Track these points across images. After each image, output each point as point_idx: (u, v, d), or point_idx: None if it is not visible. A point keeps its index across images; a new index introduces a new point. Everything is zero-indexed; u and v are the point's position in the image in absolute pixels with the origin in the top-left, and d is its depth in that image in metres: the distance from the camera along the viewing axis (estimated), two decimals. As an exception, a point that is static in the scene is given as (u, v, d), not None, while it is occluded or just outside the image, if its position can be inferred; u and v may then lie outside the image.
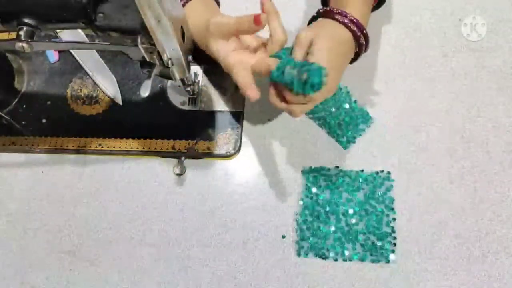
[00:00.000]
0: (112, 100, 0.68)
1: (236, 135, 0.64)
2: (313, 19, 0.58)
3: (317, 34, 0.51)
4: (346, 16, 0.53)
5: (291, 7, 0.70)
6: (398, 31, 0.67)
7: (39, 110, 0.69)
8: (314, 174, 0.61)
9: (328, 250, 0.58)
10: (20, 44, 0.48)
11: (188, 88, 0.62)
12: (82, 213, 0.64)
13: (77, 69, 0.70)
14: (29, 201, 0.66)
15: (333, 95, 0.62)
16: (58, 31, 0.70)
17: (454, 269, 0.56)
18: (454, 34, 0.66)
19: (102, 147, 0.66)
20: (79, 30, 0.70)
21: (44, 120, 0.69)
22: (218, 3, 0.64)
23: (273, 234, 0.60)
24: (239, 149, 0.64)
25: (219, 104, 0.65)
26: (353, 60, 0.58)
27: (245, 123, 0.65)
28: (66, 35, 0.71)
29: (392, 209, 0.59)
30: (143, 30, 0.45)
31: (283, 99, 0.52)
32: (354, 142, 0.62)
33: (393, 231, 0.58)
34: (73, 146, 0.66)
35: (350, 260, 0.57)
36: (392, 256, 0.57)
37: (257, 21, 0.50)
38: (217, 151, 0.63)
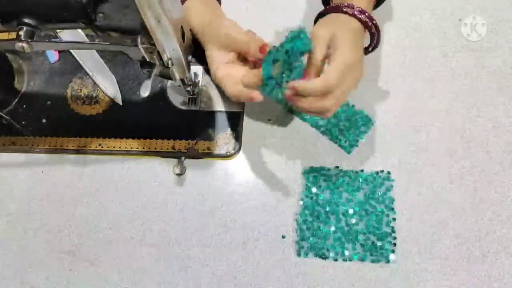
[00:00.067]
0: (112, 100, 0.68)
1: (236, 135, 0.64)
2: (320, 16, 0.58)
3: (335, 29, 0.51)
4: (353, 8, 0.53)
5: (291, 7, 0.70)
6: (398, 31, 0.67)
7: (39, 110, 0.69)
8: (314, 174, 0.61)
9: (328, 250, 0.58)
10: (20, 44, 0.48)
11: (188, 88, 0.62)
12: (82, 213, 0.64)
13: (77, 69, 0.70)
14: (29, 201, 0.66)
15: None
16: (58, 31, 0.70)
17: (454, 269, 0.56)
18: (454, 34, 0.66)
19: (102, 147, 0.66)
20: (79, 30, 0.70)
21: (44, 120, 0.69)
22: (219, 1, 0.64)
23: (273, 234, 0.60)
24: (239, 149, 0.64)
25: (219, 104, 0.65)
26: (366, 52, 0.58)
27: (245, 123, 0.65)
28: (66, 35, 0.70)
29: (392, 209, 0.59)
30: (143, 30, 0.45)
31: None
32: (356, 146, 0.62)
33: (393, 231, 0.58)
34: (73, 146, 0.66)
35: (350, 260, 0.57)
36: (392, 256, 0.57)
37: (262, 51, 0.52)
38: (217, 151, 0.63)
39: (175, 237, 0.61)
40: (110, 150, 0.65)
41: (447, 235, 0.58)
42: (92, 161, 0.66)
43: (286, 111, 0.64)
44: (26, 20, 0.48)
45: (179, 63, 0.51)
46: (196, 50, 0.61)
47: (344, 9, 0.53)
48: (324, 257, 0.58)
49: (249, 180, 0.63)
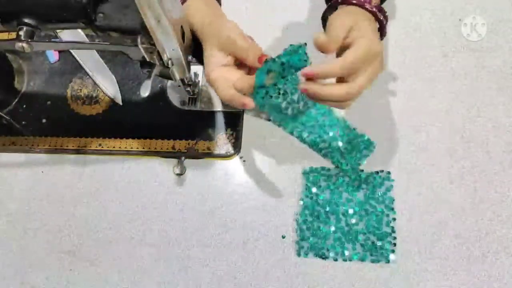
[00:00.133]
0: (112, 100, 0.68)
1: (236, 135, 0.64)
2: (328, 10, 0.57)
3: (356, 18, 0.50)
4: (370, 3, 0.53)
5: (291, 7, 0.70)
6: (398, 31, 0.67)
7: (39, 110, 0.69)
8: (314, 174, 0.61)
9: (328, 250, 0.58)
10: (20, 44, 0.48)
11: (188, 88, 0.62)
12: (82, 213, 0.64)
13: (77, 69, 0.70)
14: (29, 201, 0.66)
15: (329, 127, 0.62)
16: (58, 31, 0.70)
17: (454, 269, 0.56)
18: (454, 34, 0.66)
19: (102, 147, 0.66)
20: (79, 30, 0.70)
21: (44, 120, 0.69)
22: (219, 2, 0.64)
23: (273, 234, 0.60)
24: (239, 149, 0.64)
25: (219, 104, 0.65)
26: None
27: (245, 123, 0.65)
28: (66, 35, 0.71)
29: (392, 209, 0.59)
30: (143, 30, 0.45)
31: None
32: (358, 169, 0.61)
33: (393, 231, 0.58)
34: (73, 146, 0.66)
35: (350, 260, 0.57)
36: (392, 256, 0.57)
37: (260, 61, 0.51)
38: (217, 151, 0.63)
39: (175, 237, 0.61)
40: (110, 150, 0.65)
41: (447, 235, 0.58)
42: (92, 161, 0.66)
43: (276, 122, 0.63)
44: (26, 20, 0.47)
45: (179, 63, 0.51)
46: (196, 50, 0.61)
47: (354, 1, 0.53)
48: (324, 257, 0.58)
49: (249, 180, 0.63)
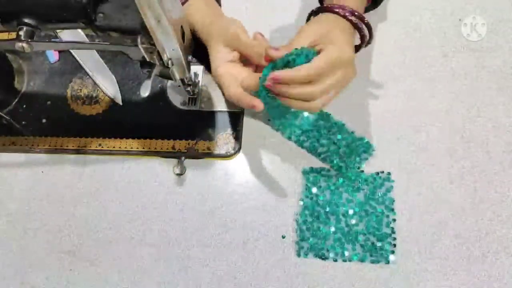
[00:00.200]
0: (112, 100, 0.68)
1: (236, 135, 0.64)
2: (311, 14, 0.58)
3: (328, 27, 0.51)
4: (345, 9, 0.54)
5: (291, 7, 0.70)
6: (398, 31, 0.67)
7: (39, 110, 0.69)
8: (314, 174, 0.61)
9: (328, 250, 0.58)
10: (20, 44, 0.48)
11: (188, 88, 0.62)
12: (82, 213, 0.64)
13: (77, 69, 0.70)
14: (29, 201, 0.66)
15: (328, 131, 0.62)
16: (58, 31, 0.70)
17: (454, 269, 0.56)
18: (454, 34, 0.66)
19: (102, 147, 0.66)
20: (79, 30, 0.70)
21: (44, 120, 0.69)
22: (219, 3, 0.64)
23: (273, 234, 0.60)
24: (239, 149, 0.64)
25: (219, 104, 0.65)
26: (357, 50, 0.58)
27: (245, 123, 0.65)
28: (66, 35, 0.71)
29: (392, 210, 0.59)
30: (143, 30, 0.45)
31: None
32: (357, 172, 0.61)
33: (393, 232, 0.58)
34: (73, 146, 0.66)
35: (350, 260, 0.57)
36: (392, 257, 0.57)
37: (267, 60, 0.52)
38: (217, 151, 0.63)
39: (175, 237, 0.61)
40: (110, 150, 0.65)
41: (447, 235, 0.58)
42: (92, 161, 0.66)
43: (274, 126, 0.63)
44: (26, 20, 0.48)
45: (179, 63, 0.51)
46: (196, 50, 0.61)
47: (336, 10, 0.54)
48: (324, 257, 0.58)
49: (249, 180, 0.63)
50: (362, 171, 0.61)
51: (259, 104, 0.51)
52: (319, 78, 0.49)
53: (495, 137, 0.61)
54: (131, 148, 0.65)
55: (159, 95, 0.67)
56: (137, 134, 0.65)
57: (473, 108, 0.62)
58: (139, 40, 0.47)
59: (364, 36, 0.56)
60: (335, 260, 0.58)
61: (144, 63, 0.52)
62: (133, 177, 0.65)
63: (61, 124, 0.68)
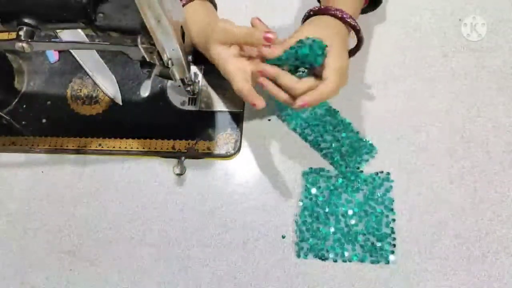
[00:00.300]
0: (112, 100, 0.68)
1: (236, 135, 0.64)
2: (308, 15, 0.58)
3: (326, 33, 0.52)
4: (343, 12, 0.54)
5: (291, 7, 0.70)
6: (398, 31, 0.67)
7: (39, 110, 0.69)
8: (314, 175, 0.61)
9: (327, 251, 0.58)
10: (20, 44, 0.48)
11: (188, 88, 0.62)
12: (82, 213, 0.64)
13: (77, 69, 0.70)
14: (29, 201, 0.66)
15: (333, 128, 0.62)
16: (58, 31, 0.70)
17: (454, 269, 0.56)
18: (454, 34, 0.66)
19: (102, 147, 0.66)
20: (79, 30, 0.70)
21: (44, 120, 0.69)
22: (215, 6, 0.64)
23: (273, 234, 0.60)
24: (239, 149, 0.64)
25: (219, 104, 0.65)
26: (351, 54, 0.59)
27: (245, 123, 0.65)
28: (66, 35, 0.71)
29: (392, 210, 0.59)
30: (143, 30, 0.45)
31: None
32: (356, 173, 0.61)
33: (393, 232, 0.58)
34: (73, 146, 0.66)
35: (350, 261, 0.57)
36: (391, 257, 0.57)
37: (267, 40, 0.51)
38: (217, 151, 0.63)
39: (175, 237, 0.61)
40: (110, 150, 0.65)
41: (447, 235, 0.58)
42: (92, 161, 0.66)
43: (281, 117, 0.64)
44: (26, 20, 0.48)
45: (179, 63, 0.51)
46: (196, 50, 0.61)
47: (333, 12, 0.54)
48: (323, 258, 0.58)
49: (249, 180, 0.63)
50: (362, 171, 0.61)
51: (259, 104, 0.52)
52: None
53: (495, 137, 0.61)
54: (131, 148, 0.65)
55: (159, 95, 0.67)
56: (137, 134, 0.65)
57: (473, 108, 0.62)
58: (139, 40, 0.47)
59: (361, 38, 0.56)
60: (335, 261, 0.58)
61: (144, 63, 0.52)
62: (133, 177, 0.65)
63: (61, 124, 0.68)
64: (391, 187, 0.60)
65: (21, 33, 0.48)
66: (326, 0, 0.57)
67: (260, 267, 0.59)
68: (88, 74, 0.70)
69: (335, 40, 0.52)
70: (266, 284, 0.58)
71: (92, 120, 0.68)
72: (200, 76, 0.67)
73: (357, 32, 0.56)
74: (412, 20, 0.67)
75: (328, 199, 0.60)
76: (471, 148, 0.61)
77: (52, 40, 0.71)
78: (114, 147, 0.65)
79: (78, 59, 0.70)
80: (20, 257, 0.63)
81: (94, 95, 0.69)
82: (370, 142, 0.62)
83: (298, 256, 0.58)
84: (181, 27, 0.50)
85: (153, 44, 0.47)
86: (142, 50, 0.48)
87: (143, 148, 0.65)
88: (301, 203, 0.60)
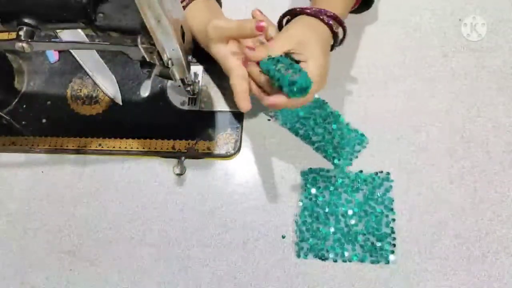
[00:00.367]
0: (112, 100, 0.68)
1: (236, 135, 0.64)
2: (291, 14, 0.58)
3: (307, 36, 0.52)
4: (325, 14, 0.54)
5: (290, 7, 0.70)
6: (398, 31, 0.67)
7: (39, 110, 0.69)
8: (313, 175, 0.61)
9: (327, 251, 0.58)
10: (20, 44, 0.48)
11: (188, 88, 0.62)
12: (82, 213, 0.64)
13: (77, 69, 0.70)
14: (29, 201, 0.66)
15: (323, 120, 0.62)
16: (58, 31, 0.70)
17: (454, 269, 0.56)
18: (454, 34, 0.66)
19: (102, 147, 0.66)
20: (79, 30, 0.70)
21: (44, 120, 0.69)
22: (220, 3, 0.64)
23: (273, 234, 0.60)
24: (239, 149, 0.64)
25: (219, 104, 0.65)
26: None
27: (245, 123, 0.65)
28: (66, 35, 0.71)
29: (392, 209, 0.59)
30: (143, 30, 0.45)
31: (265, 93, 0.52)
32: (350, 164, 0.61)
33: (393, 232, 0.58)
34: (73, 146, 0.66)
35: (350, 261, 0.57)
36: (391, 257, 0.57)
37: (259, 29, 0.51)
38: (217, 151, 0.63)
39: (175, 237, 0.61)
40: (110, 150, 0.65)
41: (447, 235, 0.58)
42: (92, 161, 0.66)
43: (270, 112, 0.64)
44: (26, 20, 0.48)
45: (179, 63, 0.51)
46: (196, 50, 0.61)
47: (308, 11, 0.54)
48: (323, 258, 0.58)
49: (249, 180, 0.63)
50: (361, 171, 0.61)
51: (244, 106, 0.52)
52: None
53: (495, 137, 0.61)
54: (131, 148, 0.65)
55: (159, 95, 0.67)
56: (137, 134, 0.65)
57: (473, 108, 0.62)
58: (139, 40, 0.47)
59: (337, 36, 0.56)
60: (335, 261, 0.58)
61: (144, 63, 0.52)
62: (133, 177, 0.65)
63: (61, 124, 0.68)
64: (391, 187, 0.60)
65: (21, 33, 0.48)
66: (314, 0, 0.58)
67: (260, 267, 0.59)
68: (88, 74, 0.70)
69: (318, 43, 0.51)
70: (266, 284, 0.58)
71: (92, 120, 0.68)
72: (200, 76, 0.67)
73: (334, 34, 0.55)
74: (412, 20, 0.67)
75: (328, 199, 0.60)
76: (471, 148, 0.61)
77: (52, 40, 0.71)
78: (114, 147, 0.65)
79: (78, 59, 0.70)
80: (20, 257, 0.63)
81: (94, 95, 0.69)
82: (361, 132, 0.62)
83: (298, 256, 0.58)
84: (181, 27, 0.50)
85: (153, 44, 0.47)
86: (142, 50, 0.48)
87: (143, 148, 0.65)
88: (301, 203, 0.60)
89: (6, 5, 0.47)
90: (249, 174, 0.63)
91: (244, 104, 0.52)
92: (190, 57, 0.55)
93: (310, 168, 0.62)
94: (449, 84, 0.64)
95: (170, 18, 0.44)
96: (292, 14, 0.57)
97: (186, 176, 0.64)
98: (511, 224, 0.57)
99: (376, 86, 0.65)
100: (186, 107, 0.66)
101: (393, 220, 0.58)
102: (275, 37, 0.53)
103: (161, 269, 0.60)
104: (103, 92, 0.69)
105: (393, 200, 0.59)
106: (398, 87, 0.64)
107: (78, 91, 0.69)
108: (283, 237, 0.59)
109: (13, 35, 0.51)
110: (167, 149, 0.64)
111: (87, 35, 0.70)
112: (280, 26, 0.59)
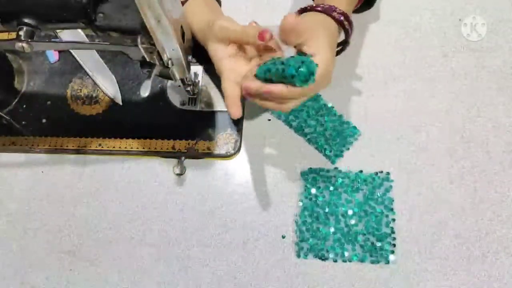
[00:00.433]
0: (112, 100, 0.68)
1: (236, 135, 0.64)
2: (300, 12, 0.58)
3: (315, 31, 0.51)
4: (335, 11, 0.54)
5: (291, 7, 0.70)
6: (398, 31, 0.67)
7: (39, 110, 0.69)
8: (313, 175, 0.61)
9: (327, 251, 0.58)
10: (20, 44, 0.48)
11: (188, 88, 0.62)
12: (82, 213, 0.64)
13: (77, 69, 0.70)
14: (29, 201, 0.66)
15: (316, 112, 0.63)
16: (58, 31, 0.70)
17: (454, 269, 0.56)
18: (454, 34, 0.66)
19: (102, 147, 0.66)
20: (79, 30, 0.70)
21: (44, 120, 0.69)
22: (219, 2, 0.64)
23: (273, 234, 0.60)
24: (239, 149, 0.64)
25: (219, 104, 0.65)
26: (338, 53, 0.58)
27: (245, 123, 0.65)
28: (66, 35, 0.71)
29: (392, 209, 0.59)
30: (143, 30, 0.45)
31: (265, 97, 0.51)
32: (341, 156, 0.61)
33: (393, 232, 0.58)
34: (73, 146, 0.66)
35: (350, 261, 0.57)
36: (391, 257, 0.57)
37: (261, 38, 0.50)
38: (217, 151, 0.63)
39: (175, 237, 0.61)
40: (110, 150, 0.65)
41: (447, 235, 0.58)
42: (92, 161, 0.66)
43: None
44: (26, 20, 0.48)
45: (179, 63, 0.51)
46: (196, 50, 0.61)
47: (323, 10, 0.54)
48: (323, 258, 0.58)
49: (249, 180, 0.63)
50: (361, 171, 0.61)
51: (234, 113, 0.51)
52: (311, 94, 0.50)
53: (495, 137, 0.61)
54: (131, 148, 0.65)
55: (159, 95, 0.67)
56: (137, 134, 0.65)
57: (473, 108, 0.62)
58: (139, 40, 0.47)
59: (348, 32, 0.56)
60: (335, 261, 0.58)
61: (144, 63, 0.52)
62: (133, 177, 0.65)
63: (61, 124, 0.68)
64: (391, 187, 0.60)
65: (21, 33, 0.48)
66: None
67: (260, 267, 0.59)
68: (88, 74, 0.70)
69: (326, 38, 0.51)
70: (266, 284, 0.58)
71: (92, 120, 0.68)
72: (200, 76, 0.67)
73: (345, 30, 0.55)
74: (412, 20, 0.67)
75: (328, 199, 0.60)
76: (471, 148, 0.61)
77: (52, 40, 0.71)
78: (114, 147, 0.65)
79: (78, 59, 0.70)
80: (20, 257, 0.63)
81: (94, 95, 0.69)
82: (353, 125, 0.62)
83: (298, 256, 0.58)
84: (181, 27, 0.50)
85: (153, 44, 0.47)
86: (142, 50, 0.48)
87: (143, 148, 0.65)
88: (301, 203, 0.60)
89: (6, 5, 0.47)
90: (249, 174, 0.63)
91: (234, 110, 0.51)
92: (190, 57, 0.55)
93: (310, 168, 0.62)
94: (449, 84, 0.64)
95: (170, 18, 0.44)
96: (301, 12, 0.57)
97: (186, 176, 0.64)
98: (511, 224, 0.57)
99: (376, 86, 0.65)
100: (186, 107, 0.66)
101: (393, 220, 0.58)
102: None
103: (161, 269, 0.60)
104: (103, 92, 0.69)
105: (393, 200, 0.59)
106: (398, 87, 0.64)
107: (78, 91, 0.69)
108: (283, 237, 0.59)
109: (13, 35, 0.51)
110: (167, 149, 0.64)
111: (87, 35, 0.70)
112: None
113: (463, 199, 0.59)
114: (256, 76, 0.51)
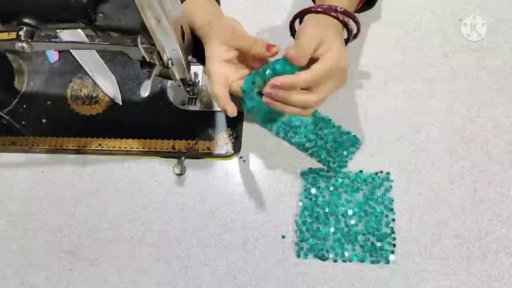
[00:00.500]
0: (112, 100, 0.68)
1: (236, 135, 0.64)
2: (303, 13, 0.58)
3: (327, 31, 0.51)
4: (338, 12, 0.54)
5: (291, 7, 0.70)
6: (398, 31, 0.67)
7: (39, 110, 0.69)
8: (313, 175, 0.61)
9: (327, 251, 0.58)
10: (20, 44, 0.48)
11: (188, 88, 0.62)
12: (82, 213, 0.64)
13: (77, 69, 0.70)
14: (29, 201, 0.66)
15: (314, 126, 0.63)
16: (58, 31, 0.70)
17: (454, 269, 0.56)
18: (454, 34, 0.66)
19: (102, 147, 0.66)
20: (79, 30, 0.70)
21: (44, 120, 0.69)
22: (218, 2, 0.64)
23: (273, 234, 0.60)
24: (239, 149, 0.64)
25: (219, 104, 0.65)
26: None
27: (245, 123, 0.65)
28: (66, 35, 0.71)
29: (392, 209, 0.59)
30: (143, 30, 0.46)
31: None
32: (345, 166, 0.61)
33: (393, 232, 0.58)
34: (73, 146, 0.66)
35: (350, 261, 0.57)
36: (391, 257, 0.57)
37: (268, 49, 0.52)
38: (217, 151, 0.63)
39: (175, 237, 0.61)
40: (110, 150, 0.65)
41: (447, 235, 0.58)
42: (92, 161, 0.66)
43: (261, 124, 0.63)
44: (26, 20, 0.48)
45: (179, 63, 0.51)
46: (196, 50, 0.61)
47: (320, 10, 0.54)
48: (323, 258, 0.58)
49: (249, 180, 0.63)
50: (361, 171, 0.61)
51: (231, 110, 0.51)
52: (317, 84, 0.50)
53: (495, 137, 0.61)
54: (131, 148, 0.65)
55: (159, 95, 0.67)
56: (137, 134, 0.65)
57: (473, 108, 0.62)
58: (139, 40, 0.47)
59: (351, 31, 0.56)
60: (335, 261, 0.58)
61: (144, 63, 0.52)
62: (133, 177, 0.65)
63: (61, 124, 0.68)
64: (391, 187, 0.60)
65: (21, 33, 0.48)
66: None
67: (260, 267, 0.59)
68: (88, 74, 0.70)
69: (334, 41, 0.52)
70: (266, 284, 0.58)
71: (92, 120, 0.68)
72: (200, 76, 0.67)
73: (348, 30, 0.55)
74: (412, 20, 0.67)
75: (328, 199, 0.60)
76: (471, 148, 0.61)
77: (52, 40, 0.71)
78: (114, 147, 0.65)
79: (78, 59, 0.70)
80: (20, 257, 0.63)
81: (94, 95, 0.69)
82: (353, 134, 0.62)
83: (298, 256, 0.58)
84: (181, 27, 0.50)
85: (153, 44, 0.47)
86: (142, 50, 0.48)
87: (143, 148, 0.65)
88: (301, 203, 0.60)
89: (6, 5, 0.48)
90: (249, 174, 0.63)
91: (231, 108, 0.51)
92: (190, 57, 0.55)
93: (310, 168, 0.62)
94: (449, 84, 0.64)
95: (170, 18, 0.44)
96: (303, 14, 0.57)
97: (186, 176, 0.64)
98: (511, 224, 0.57)
99: (376, 86, 0.65)
100: (186, 107, 0.66)
101: (393, 220, 0.58)
102: (297, 37, 0.53)
103: (161, 269, 0.60)
104: (103, 92, 0.69)
105: (393, 200, 0.59)
106: (398, 87, 0.64)
107: (78, 91, 0.69)
108: (283, 237, 0.59)
109: (13, 35, 0.51)
110: (167, 149, 0.64)
111: (87, 35, 0.70)
112: (291, 29, 0.59)
113: (463, 199, 0.59)
114: (242, 89, 0.52)
